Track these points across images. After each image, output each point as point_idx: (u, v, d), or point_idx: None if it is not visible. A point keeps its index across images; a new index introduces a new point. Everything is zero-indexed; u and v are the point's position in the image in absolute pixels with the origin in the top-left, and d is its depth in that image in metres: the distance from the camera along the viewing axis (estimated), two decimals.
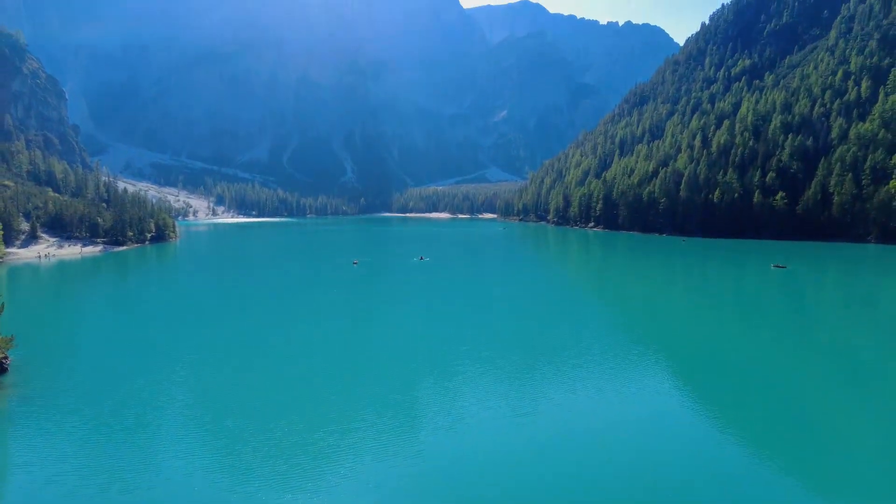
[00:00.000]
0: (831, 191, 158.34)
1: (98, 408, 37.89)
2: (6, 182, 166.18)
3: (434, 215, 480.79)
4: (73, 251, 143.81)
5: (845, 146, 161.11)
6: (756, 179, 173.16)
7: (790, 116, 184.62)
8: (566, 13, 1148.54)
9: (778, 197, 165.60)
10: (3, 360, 44.83)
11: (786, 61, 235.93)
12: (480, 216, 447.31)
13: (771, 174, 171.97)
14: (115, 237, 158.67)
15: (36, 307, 78.33)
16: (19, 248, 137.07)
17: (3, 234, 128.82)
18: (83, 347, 56.43)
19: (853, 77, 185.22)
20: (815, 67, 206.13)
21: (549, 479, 28.50)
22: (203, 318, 71.04)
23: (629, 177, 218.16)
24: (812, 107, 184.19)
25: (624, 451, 31.79)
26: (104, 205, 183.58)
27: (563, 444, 32.91)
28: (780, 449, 32.11)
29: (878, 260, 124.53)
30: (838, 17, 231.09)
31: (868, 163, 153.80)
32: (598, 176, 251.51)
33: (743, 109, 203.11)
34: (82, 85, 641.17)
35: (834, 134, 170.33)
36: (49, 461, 30.62)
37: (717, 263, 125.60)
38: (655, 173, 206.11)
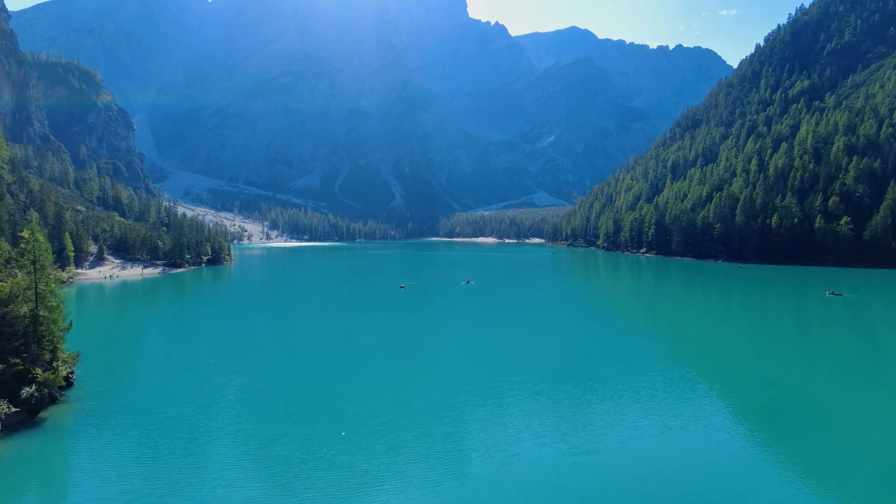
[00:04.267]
0: None
1: (149, 430, 38.48)
2: (79, 207, 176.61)
3: (480, 240, 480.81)
4: (134, 272, 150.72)
5: None
6: (817, 204, 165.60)
7: (854, 138, 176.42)
8: (615, 38, 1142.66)
9: (842, 222, 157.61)
10: (70, 375, 47.01)
11: (848, 81, 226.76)
12: (527, 241, 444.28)
13: (834, 198, 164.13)
14: (173, 260, 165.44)
15: (100, 325, 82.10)
16: (87, 268, 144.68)
17: (73, 256, 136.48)
18: (140, 365, 58.58)
19: None
20: (882, 86, 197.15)
21: None
22: (254, 341, 72.64)
23: (682, 201, 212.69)
24: (879, 127, 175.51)
25: (689, 496, 29.47)
26: (164, 229, 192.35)
27: (625, 486, 30.58)
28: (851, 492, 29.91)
29: None
30: None
31: None
32: (649, 200, 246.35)
33: (802, 132, 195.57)
34: (148, 115, 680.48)
35: None
36: (96, 483, 31.03)
37: (773, 291, 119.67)
38: (710, 198, 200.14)
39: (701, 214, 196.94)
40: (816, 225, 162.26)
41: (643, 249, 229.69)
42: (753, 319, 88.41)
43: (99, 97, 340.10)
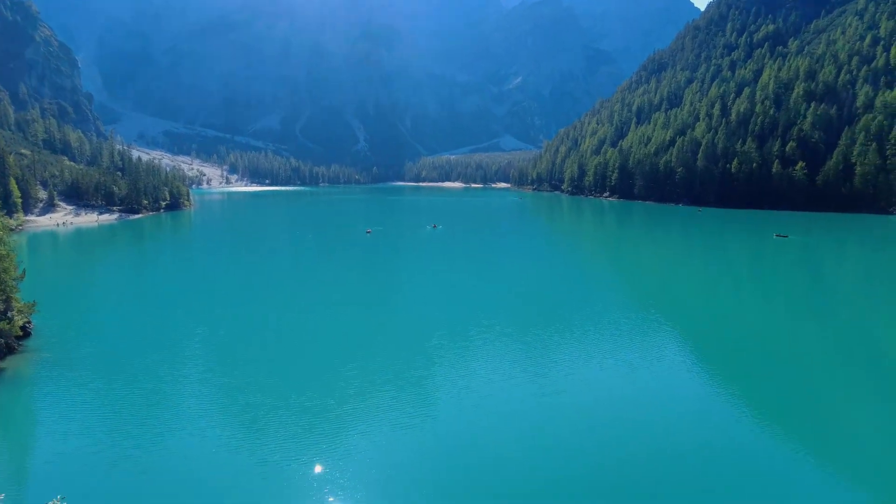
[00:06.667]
0: (854, 161, 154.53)
1: (112, 380, 37.71)
2: (23, 150, 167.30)
3: (447, 185, 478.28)
4: (89, 219, 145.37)
5: (870, 115, 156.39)
6: (776, 149, 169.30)
7: (814, 84, 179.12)
8: None
9: (798, 167, 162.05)
10: (27, 325, 45.74)
11: (811, 26, 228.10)
12: (493, 185, 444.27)
13: (791, 144, 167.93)
14: (130, 205, 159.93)
15: (55, 274, 79.54)
16: (37, 216, 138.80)
17: (21, 202, 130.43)
18: (101, 314, 57.33)
19: (882, 42, 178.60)
20: (843, 32, 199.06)
21: (576, 460, 27.68)
22: (218, 289, 71.56)
23: (646, 146, 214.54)
24: (837, 74, 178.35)
25: (656, 432, 30.32)
26: (119, 173, 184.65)
27: (593, 423, 31.60)
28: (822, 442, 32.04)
29: None
30: None
31: (894, 132, 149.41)
32: (614, 145, 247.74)
33: (764, 77, 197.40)
34: (95, 53, 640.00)
35: (859, 102, 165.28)
36: (58, 436, 30.07)
37: (728, 233, 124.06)
38: (673, 142, 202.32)
39: (664, 159, 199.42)
40: (774, 170, 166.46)
41: (606, 193, 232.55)
42: (709, 260, 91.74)
43: (37, 31, 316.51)
